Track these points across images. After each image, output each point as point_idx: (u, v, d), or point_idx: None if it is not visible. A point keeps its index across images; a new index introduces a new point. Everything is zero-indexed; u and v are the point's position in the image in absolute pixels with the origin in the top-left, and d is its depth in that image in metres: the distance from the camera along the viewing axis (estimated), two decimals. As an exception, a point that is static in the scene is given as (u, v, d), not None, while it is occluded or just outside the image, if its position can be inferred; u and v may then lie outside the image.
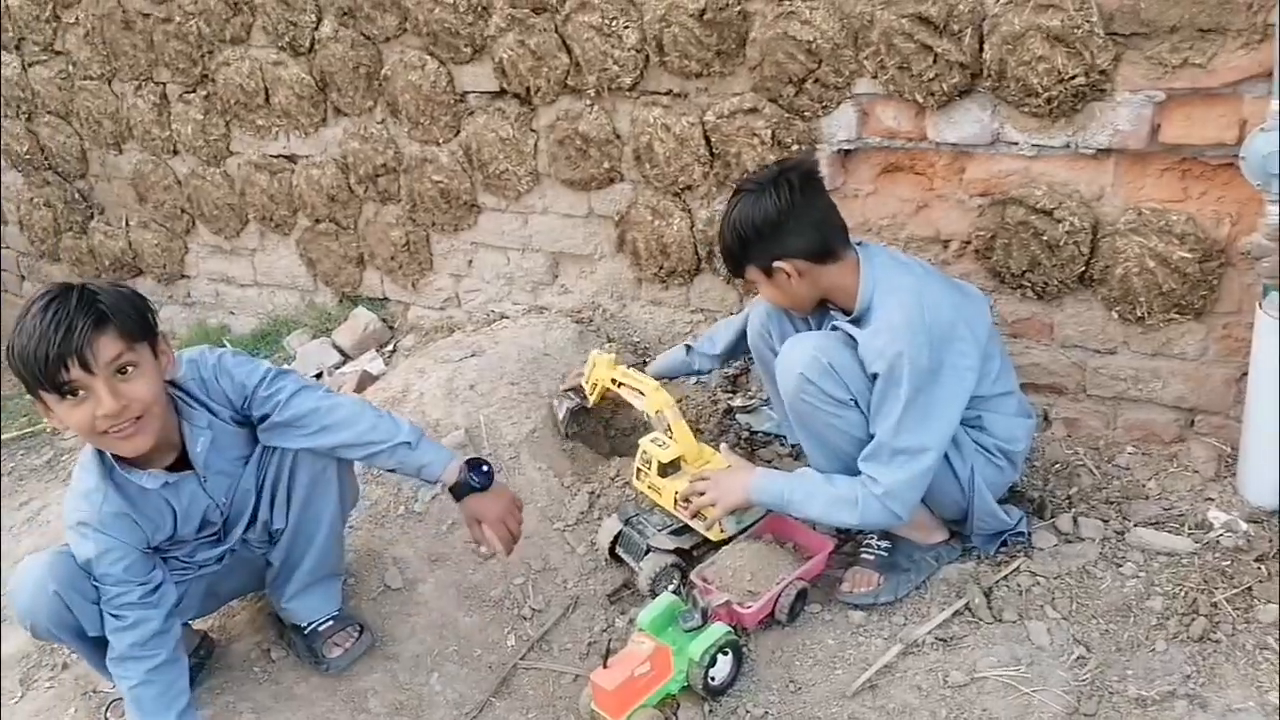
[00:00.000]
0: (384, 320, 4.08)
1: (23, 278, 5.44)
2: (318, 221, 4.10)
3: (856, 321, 2.36)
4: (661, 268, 3.36)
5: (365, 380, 3.63)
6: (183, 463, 2.20)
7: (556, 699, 2.42)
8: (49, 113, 4.70)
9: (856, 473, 2.33)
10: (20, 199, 5.08)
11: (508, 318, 3.68)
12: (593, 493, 2.89)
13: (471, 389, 3.11)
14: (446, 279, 3.92)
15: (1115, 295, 2.67)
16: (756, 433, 3.11)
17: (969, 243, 2.85)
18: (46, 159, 4.84)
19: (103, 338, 1.92)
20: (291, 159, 4.07)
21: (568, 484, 2.92)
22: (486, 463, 2.36)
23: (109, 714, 2.35)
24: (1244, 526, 2.48)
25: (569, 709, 2.38)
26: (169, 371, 2.11)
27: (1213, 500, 2.57)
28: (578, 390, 3.00)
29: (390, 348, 3.97)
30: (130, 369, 1.97)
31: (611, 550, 2.69)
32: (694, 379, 3.26)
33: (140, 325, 2.01)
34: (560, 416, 3.04)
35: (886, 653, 2.34)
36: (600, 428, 3.19)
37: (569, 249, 3.57)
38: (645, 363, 3.08)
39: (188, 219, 4.52)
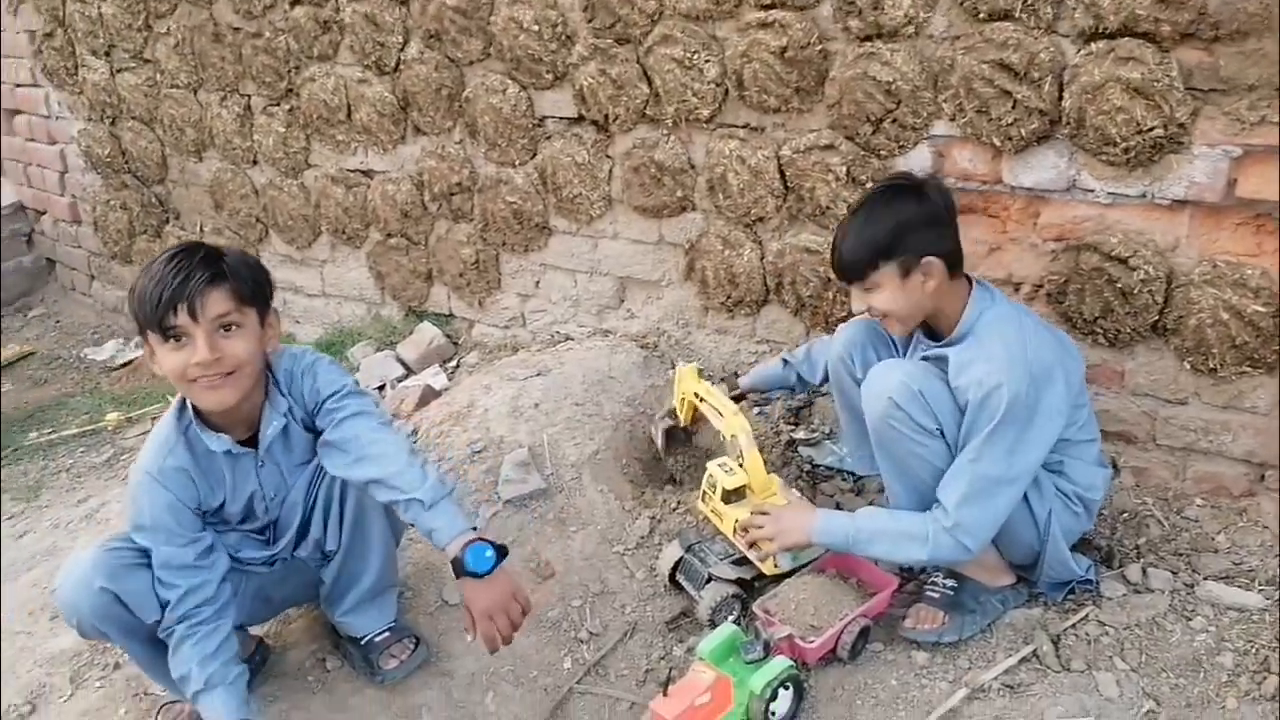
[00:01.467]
0: (448, 336, 4.08)
1: (92, 277, 5.51)
2: (389, 236, 4.12)
3: (950, 346, 2.33)
4: (729, 297, 3.33)
5: (428, 394, 3.63)
6: (252, 443, 2.24)
7: (612, 725, 2.40)
8: (133, 118, 4.77)
9: (933, 505, 2.29)
10: (97, 200, 5.15)
11: (572, 339, 3.67)
12: (654, 518, 2.86)
13: (536, 408, 3.10)
14: (513, 298, 3.92)
15: (1188, 346, 2.61)
16: (819, 466, 3.07)
17: (1041, 286, 2.80)
18: (127, 163, 4.91)
19: (214, 292, 2.03)
20: (368, 174, 4.10)
21: (629, 508, 2.89)
22: (496, 545, 2.13)
23: (160, 717, 2.34)
24: (1316, 585, 2.41)
25: (626, 735, 2.36)
26: (270, 345, 2.18)
27: (1284, 558, 2.51)
28: (672, 412, 2.96)
29: (454, 363, 3.97)
30: (233, 328, 2.07)
31: (672, 577, 2.66)
32: (760, 408, 3.24)
33: (253, 291, 2.11)
34: (658, 440, 2.99)
35: (952, 697, 2.29)
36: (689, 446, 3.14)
37: (637, 274, 3.56)
38: (730, 377, 3.00)
39: (261, 228, 4.56)
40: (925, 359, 2.38)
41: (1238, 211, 2.50)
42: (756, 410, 3.26)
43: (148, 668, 2.27)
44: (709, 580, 2.56)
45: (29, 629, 2.66)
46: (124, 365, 4.87)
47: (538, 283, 3.83)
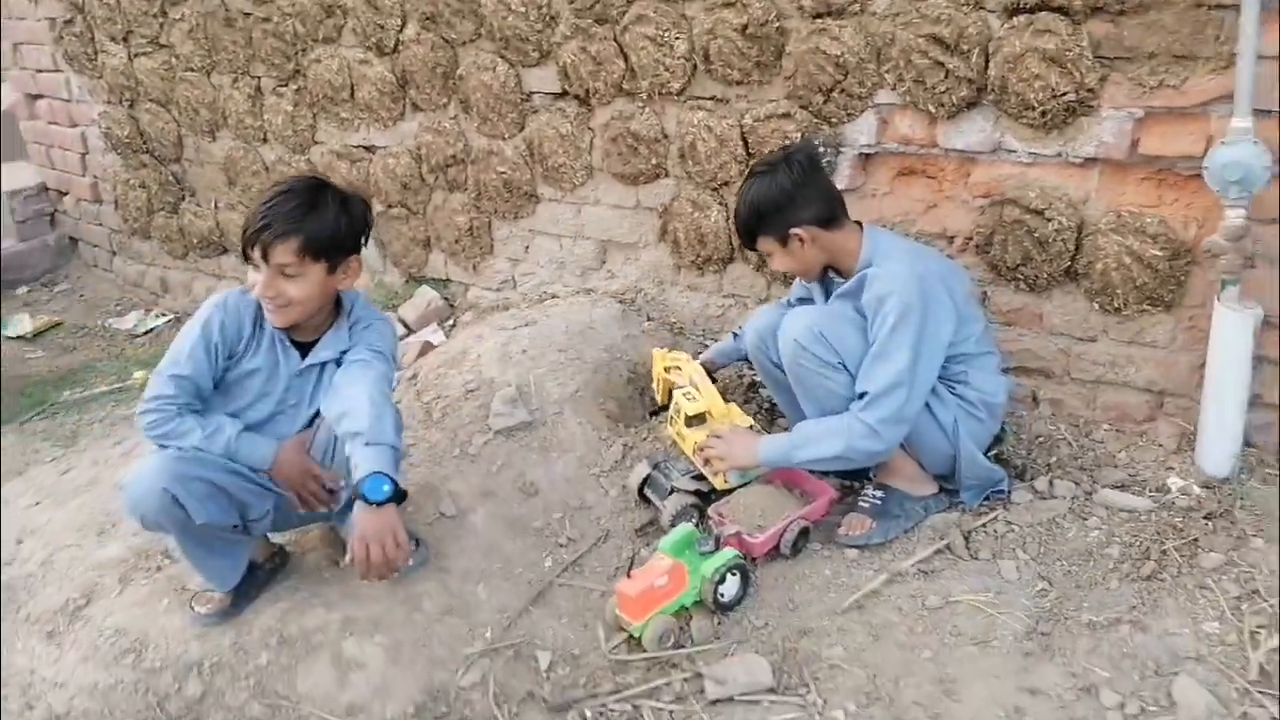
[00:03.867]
0: (445, 299, 4.52)
1: (114, 253, 5.97)
2: (390, 207, 4.57)
3: (854, 278, 2.79)
4: (699, 256, 3.77)
5: (426, 348, 4.07)
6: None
7: (585, 610, 2.82)
8: (151, 100, 5.23)
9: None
10: (117, 179, 5.61)
11: (558, 298, 4.11)
12: (627, 445, 3.29)
13: (523, 353, 3.54)
14: (504, 262, 4.36)
15: (1096, 288, 3.04)
16: (776, 404, 3.50)
17: (970, 238, 3.24)
18: (145, 143, 5.37)
19: (281, 245, 2.48)
20: (370, 149, 4.55)
21: (604, 438, 3.33)
22: (398, 488, 2.40)
23: (195, 603, 2.77)
24: (1197, 491, 2.83)
25: (596, 617, 2.78)
26: (345, 285, 2.66)
27: (1173, 470, 2.93)
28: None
29: (450, 323, 4.40)
30: (293, 275, 2.53)
31: (640, 491, 3.09)
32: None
33: (326, 248, 2.55)
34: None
35: (875, 579, 2.73)
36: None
37: (616, 237, 4.00)
38: (697, 354, 3.44)
39: (271, 202, 5.00)
40: (839, 296, 2.85)
41: (1141, 168, 2.92)
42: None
43: (193, 558, 2.69)
44: (671, 492, 3.00)
45: (79, 543, 3.10)
46: (147, 333, 5.34)
47: (527, 247, 4.28)
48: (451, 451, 3.26)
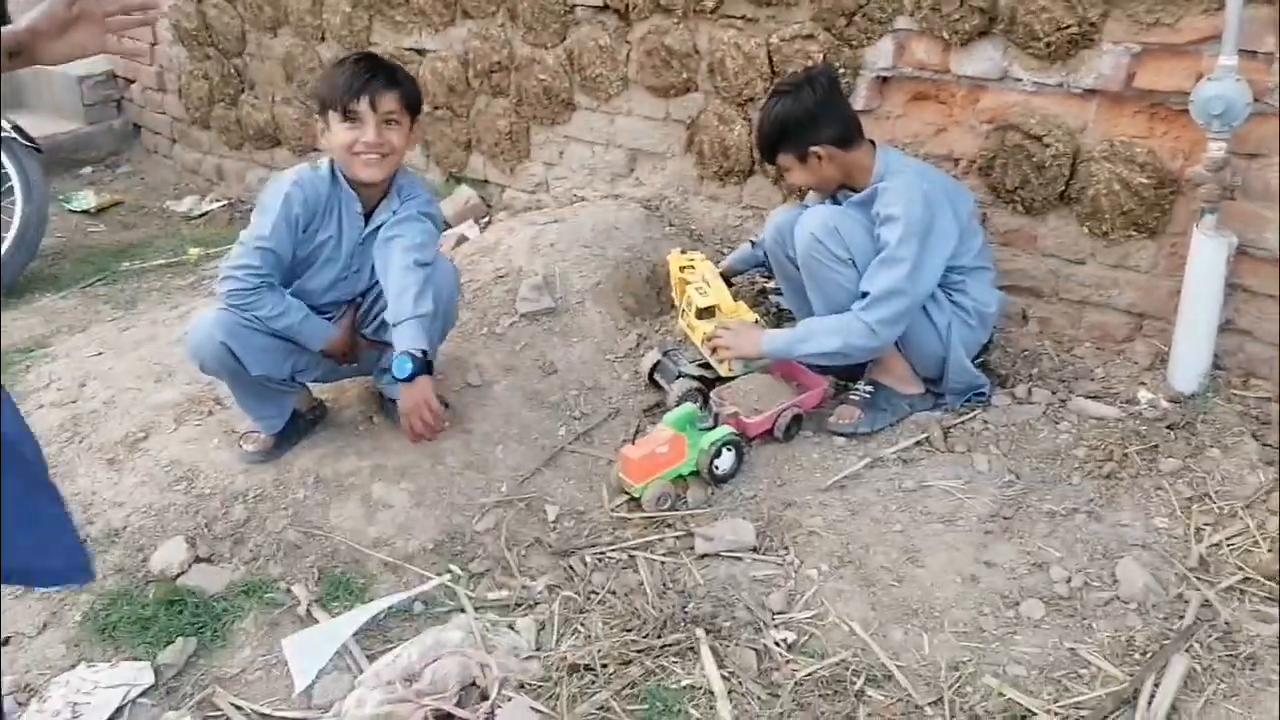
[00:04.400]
0: (482, 198, 4.71)
1: (174, 141, 6.18)
2: (436, 109, 4.74)
3: (867, 191, 2.96)
4: (721, 167, 3.94)
5: (461, 241, 4.27)
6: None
7: (592, 474, 3.05)
8: (217, -4, 5.41)
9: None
10: (181, 70, 5.81)
11: (586, 201, 4.29)
12: (641, 335, 3.50)
13: (551, 246, 3.74)
14: (539, 166, 4.54)
15: (1087, 212, 3.20)
16: (784, 309, 3.68)
17: (974, 161, 3.39)
18: (210, 37, 5.55)
19: (389, 93, 2.72)
20: (421, 52, 4.71)
21: (621, 327, 3.53)
22: (422, 360, 2.62)
23: (242, 442, 3.01)
24: (1164, 404, 3.01)
25: (601, 480, 3.01)
26: (412, 147, 2.90)
27: (1144, 384, 3.10)
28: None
29: (486, 221, 4.60)
30: (395, 123, 2.75)
31: (650, 375, 3.30)
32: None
33: (414, 102, 2.82)
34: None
35: (857, 464, 2.94)
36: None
37: (646, 147, 4.17)
38: (715, 260, 3.59)
39: (324, 100, 5.19)
40: (852, 205, 3.02)
41: (1135, 101, 3.06)
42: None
43: (243, 403, 2.96)
44: (678, 376, 3.20)
45: (139, 387, 3.35)
46: (201, 216, 5.57)
47: (561, 153, 4.45)
48: (480, 330, 3.48)
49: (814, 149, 2.96)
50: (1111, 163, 3.11)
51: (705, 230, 4.03)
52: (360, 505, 2.87)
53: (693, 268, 3.41)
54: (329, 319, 2.96)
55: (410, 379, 2.63)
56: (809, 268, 2.99)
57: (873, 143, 3.05)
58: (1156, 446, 2.87)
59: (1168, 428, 2.93)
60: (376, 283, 2.90)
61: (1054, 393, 3.14)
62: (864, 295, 2.90)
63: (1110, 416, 3.01)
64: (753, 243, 3.53)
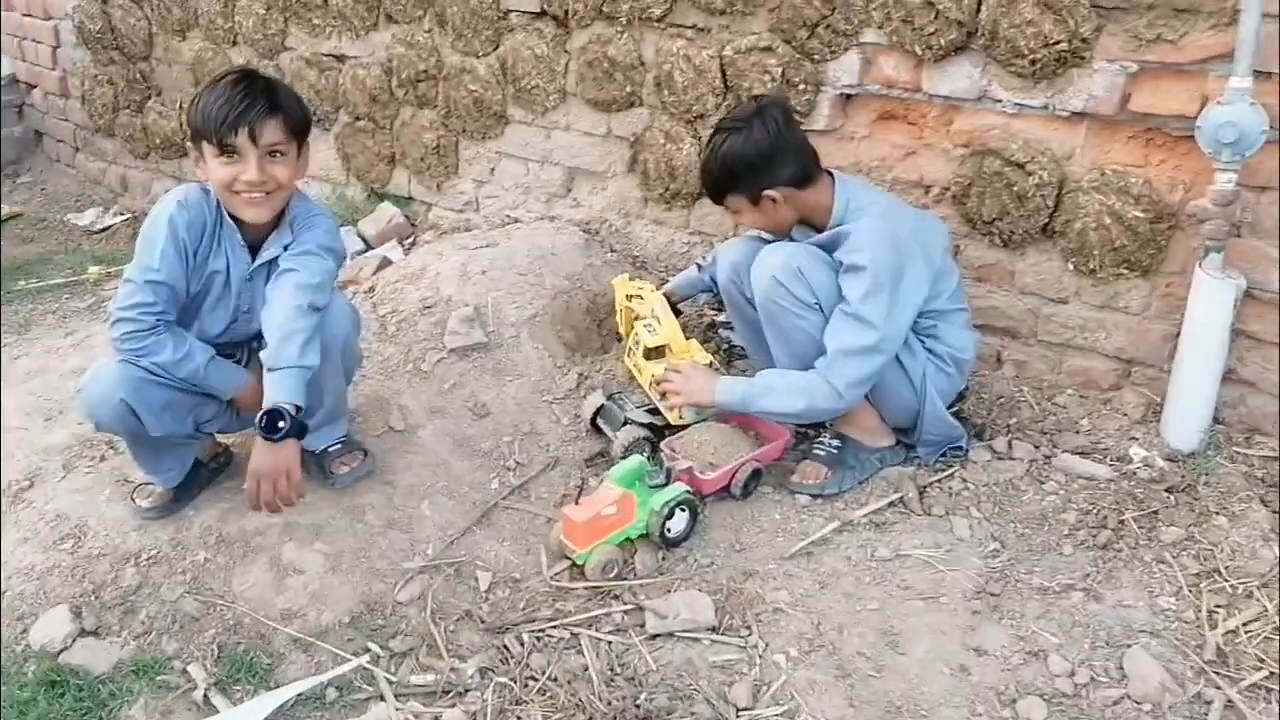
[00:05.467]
0: (407, 217, 4.24)
1: (77, 149, 5.61)
2: (357, 119, 4.27)
3: (826, 233, 2.56)
4: (668, 189, 3.53)
5: (384, 264, 3.81)
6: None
7: (529, 534, 2.61)
8: (123, -5, 4.87)
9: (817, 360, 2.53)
10: (85, 75, 5.25)
11: (520, 223, 3.85)
12: (581, 374, 3.06)
13: (483, 274, 3.29)
14: (469, 183, 4.09)
15: (1073, 247, 2.84)
16: (736, 346, 3.28)
17: (948, 189, 3.02)
18: (115, 39, 5.00)
19: (271, 122, 2.26)
20: (340, 59, 4.24)
21: (560, 365, 3.10)
22: (296, 421, 2.19)
23: (136, 495, 2.54)
24: (1160, 463, 2.66)
25: (539, 542, 2.57)
26: (301, 175, 2.39)
27: (1136, 440, 2.75)
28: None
29: (411, 241, 4.14)
30: (280, 155, 2.29)
31: (593, 421, 2.87)
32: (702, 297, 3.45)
33: (301, 126, 2.35)
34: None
35: (825, 527, 2.54)
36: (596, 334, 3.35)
37: (585, 165, 3.74)
38: (660, 285, 3.21)
39: (237, 107, 4.68)
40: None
41: (1129, 125, 2.71)
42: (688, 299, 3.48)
43: (140, 459, 2.51)
44: (625, 423, 2.78)
45: (26, 426, 2.87)
46: (104, 230, 5.03)
47: (492, 169, 4.01)
48: (404, 367, 3.03)
49: (767, 192, 2.56)
50: (1102, 193, 2.76)
51: (649, 257, 3.61)
52: (268, 569, 2.41)
53: (640, 297, 3.00)
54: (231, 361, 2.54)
55: (278, 438, 2.19)
56: (769, 312, 2.59)
57: (830, 174, 2.66)
58: (1156, 513, 2.52)
59: (1166, 491, 2.58)
60: None
61: (1037, 447, 2.77)
62: (828, 348, 2.52)
63: (1101, 476, 2.65)
64: (699, 266, 3.12)
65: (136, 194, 5.32)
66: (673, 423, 2.80)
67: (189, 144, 2.38)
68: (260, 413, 2.19)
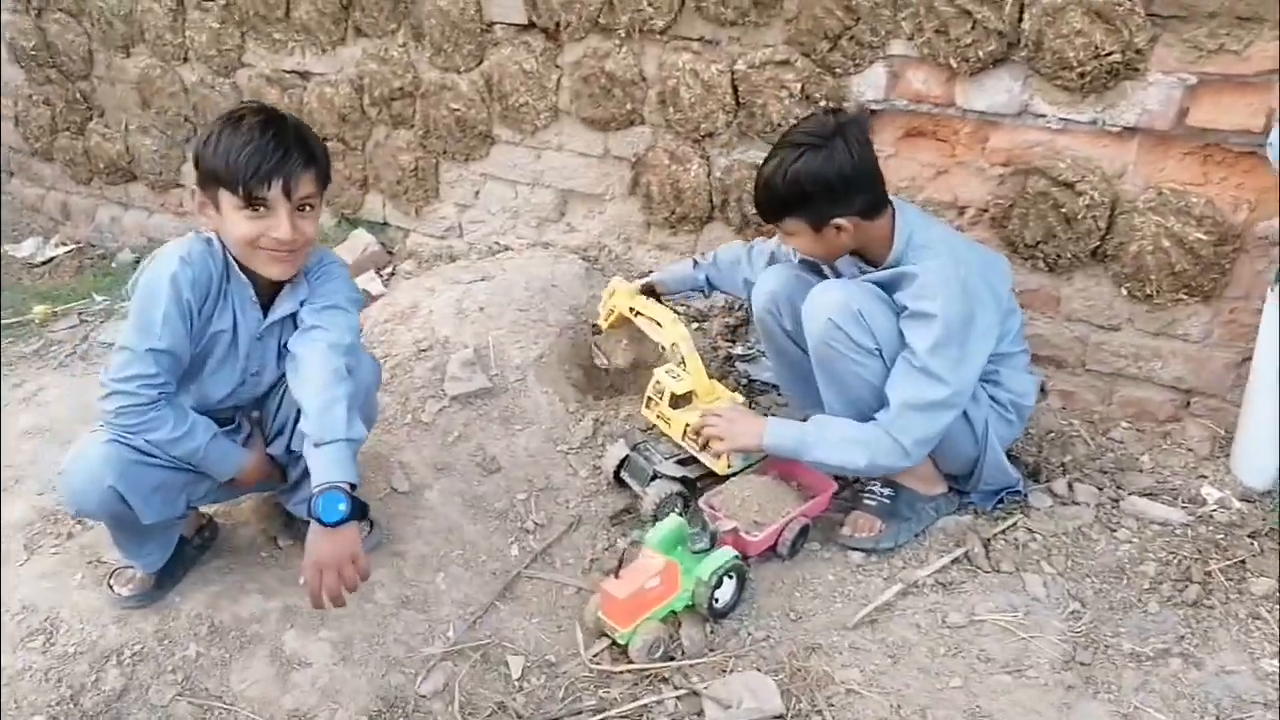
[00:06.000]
0: (382, 244, 3.94)
1: (11, 174, 5.19)
2: (325, 140, 3.93)
3: (885, 272, 2.31)
4: (674, 213, 3.26)
5: (365, 301, 3.49)
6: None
7: (559, 607, 2.34)
8: (60, 10, 4.46)
9: (871, 418, 2.29)
10: (19, 95, 4.84)
11: (511, 250, 3.57)
12: (597, 420, 2.79)
13: (480, 310, 3.00)
14: (451, 208, 3.79)
15: (1127, 272, 2.63)
16: (755, 380, 3.04)
17: (986, 210, 2.80)
18: (52, 57, 4.60)
19: (306, 175, 2.00)
20: (305, 76, 3.91)
21: (572, 410, 2.83)
22: (356, 501, 1.93)
23: (113, 581, 2.23)
24: (1237, 504, 2.46)
25: (571, 617, 2.30)
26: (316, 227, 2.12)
27: (1206, 478, 2.55)
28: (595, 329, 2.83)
29: (389, 271, 3.83)
30: (310, 209, 2.04)
31: (616, 474, 2.60)
32: (699, 324, 3.19)
33: (327, 174, 2.09)
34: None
35: (887, 590, 2.29)
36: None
37: (580, 187, 3.47)
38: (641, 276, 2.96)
39: (190, 127, 4.33)
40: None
41: (1185, 141, 2.51)
42: (695, 326, 3.22)
43: (121, 543, 2.19)
44: (654, 477, 2.51)
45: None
46: (45, 263, 4.62)
47: (477, 193, 3.71)
48: (403, 418, 2.74)
49: (837, 220, 2.27)
50: (1160, 214, 2.55)
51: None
52: (269, 663, 2.12)
53: (654, 322, 2.70)
54: (229, 432, 2.23)
55: (338, 524, 1.89)
56: (823, 356, 2.32)
57: (891, 203, 2.38)
58: (1243, 562, 2.30)
59: (1249, 536, 2.37)
60: (281, 388, 2.20)
61: (1101, 489, 2.55)
62: (889, 401, 2.28)
63: (1175, 521, 2.43)
64: (696, 261, 2.81)
65: (80, 222, 4.92)
66: (720, 472, 2.53)
67: (196, 188, 2.06)
68: (313, 494, 1.90)
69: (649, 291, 2.80)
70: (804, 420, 2.37)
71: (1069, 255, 2.70)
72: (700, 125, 3.11)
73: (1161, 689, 2.03)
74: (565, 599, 2.35)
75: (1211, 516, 2.44)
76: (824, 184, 2.21)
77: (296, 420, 2.22)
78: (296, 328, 2.15)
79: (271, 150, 1.94)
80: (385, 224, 3.99)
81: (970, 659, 2.13)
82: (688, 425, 2.52)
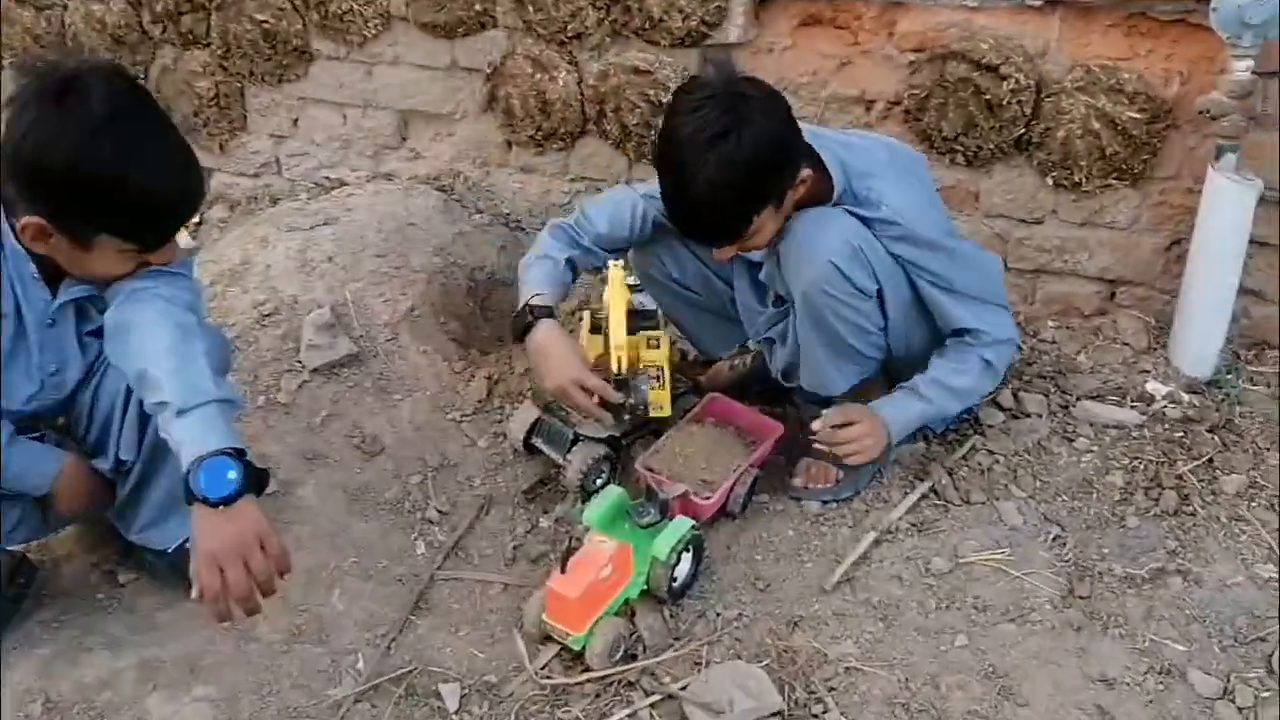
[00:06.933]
0: (185, 190, 3.33)
1: None
2: (99, 70, 3.28)
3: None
4: (539, 129, 2.83)
5: (175, 256, 2.93)
6: None
7: (487, 612, 1.95)
8: None
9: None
10: None
11: (347, 185, 3.05)
12: (491, 377, 2.39)
13: (330, 261, 2.52)
14: (264, 140, 3.23)
15: (1053, 160, 2.42)
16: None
17: (898, 103, 2.51)
18: None
19: None
20: (64, -8, 3.22)
21: (459, 369, 2.41)
22: (250, 467, 1.51)
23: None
24: (1186, 397, 2.31)
25: (505, 622, 1.92)
26: None
27: (1148, 372, 2.39)
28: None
29: (196, 220, 3.25)
30: None
31: (526, 441, 2.21)
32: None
33: None
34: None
35: (860, 541, 2.01)
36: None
37: (423, 106, 2.98)
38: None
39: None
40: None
41: (1109, 12, 2.31)
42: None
43: None
44: (575, 441, 2.13)
45: None
46: None
47: (296, 120, 3.16)
48: (254, 402, 2.25)
49: (803, 172, 1.87)
50: (1089, 94, 2.33)
51: (522, 213, 2.94)
52: (133, 741, 1.66)
53: (654, 342, 2.25)
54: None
55: (230, 498, 1.47)
56: (816, 308, 1.94)
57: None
58: (1211, 460, 2.15)
59: (1209, 431, 2.22)
60: (91, 388, 1.75)
61: (1047, 396, 2.35)
62: (963, 332, 2.03)
63: (1130, 423, 2.26)
64: (549, 257, 2.11)
65: None
66: (664, 413, 2.15)
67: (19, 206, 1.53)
68: (189, 466, 1.47)
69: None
70: (893, 389, 2.09)
71: (991, 146, 2.45)
72: (566, 25, 2.68)
73: (1170, 614, 1.86)
74: (493, 600, 1.98)
75: (1164, 414, 2.28)
76: (766, 157, 1.79)
77: (124, 419, 1.75)
78: (101, 312, 1.68)
79: (195, 188, 1.63)
80: (185, 164, 3.37)
81: (966, 609, 1.89)
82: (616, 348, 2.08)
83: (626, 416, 2.08)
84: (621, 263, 2.16)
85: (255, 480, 1.51)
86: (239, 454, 1.49)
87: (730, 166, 1.75)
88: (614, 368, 2.04)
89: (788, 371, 2.16)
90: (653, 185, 2.00)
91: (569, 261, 2.11)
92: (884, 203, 1.91)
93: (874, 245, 1.91)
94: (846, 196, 1.94)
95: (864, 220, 1.91)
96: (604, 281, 2.24)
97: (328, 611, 1.90)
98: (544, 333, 1.99)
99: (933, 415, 2.09)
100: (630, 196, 2.14)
